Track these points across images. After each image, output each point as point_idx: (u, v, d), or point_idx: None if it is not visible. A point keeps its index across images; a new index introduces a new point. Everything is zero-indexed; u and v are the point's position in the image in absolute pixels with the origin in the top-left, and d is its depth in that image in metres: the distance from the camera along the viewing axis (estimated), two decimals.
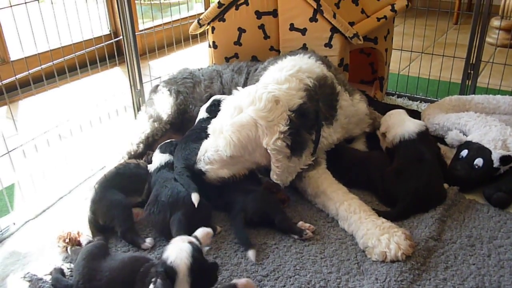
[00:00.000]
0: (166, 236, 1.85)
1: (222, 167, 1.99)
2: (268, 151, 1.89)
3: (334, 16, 2.43)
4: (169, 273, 1.41)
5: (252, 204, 1.93)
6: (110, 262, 1.62)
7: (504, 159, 2.10)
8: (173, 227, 1.82)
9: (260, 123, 1.87)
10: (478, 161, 2.14)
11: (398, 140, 2.27)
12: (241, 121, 1.89)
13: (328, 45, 2.52)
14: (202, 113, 2.35)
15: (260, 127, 1.87)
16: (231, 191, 2.03)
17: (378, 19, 2.78)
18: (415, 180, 2.04)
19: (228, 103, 1.99)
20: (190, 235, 1.60)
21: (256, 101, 1.89)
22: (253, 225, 1.95)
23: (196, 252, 1.47)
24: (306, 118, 1.94)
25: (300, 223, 1.93)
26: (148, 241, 1.87)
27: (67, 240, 1.85)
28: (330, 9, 2.44)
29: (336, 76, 2.26)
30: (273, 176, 1.94)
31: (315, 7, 2.45)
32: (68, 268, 1.76)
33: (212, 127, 2.01)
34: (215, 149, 1.96)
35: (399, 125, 2.31)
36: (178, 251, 1.46)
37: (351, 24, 2.64)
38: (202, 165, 2.00)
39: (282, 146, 1.87)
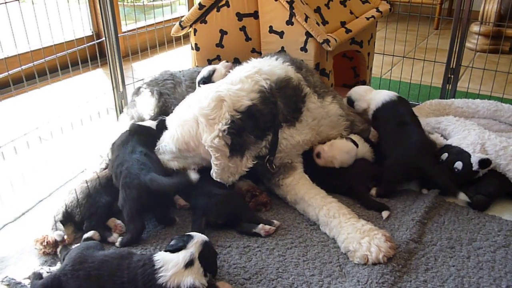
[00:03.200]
0: (144, 206, 1.93)
1: (172, 159, 2.08)
2: (206, 148, 1.91)
3: (306, 20, 2.43)
4: (185, 238, 1.61)
5: (216, 208, 1.95)
6: (104, 251, 1.66)
7: (482, 163, 2.13)
8: (153, 183, 1.89)
9: (201, 120, 1.93)
10: (458, 165, 2.18)
11: (380, 104, 2.45)
12: (185, 117, 1.99)
13: (304, 49, 2.52)
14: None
15: (200, 124, 1.93)
16: (196, 195, 2.05)
17: (367, 18, 2.85)
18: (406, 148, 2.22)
19: (187, 98, 2.11)
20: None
21: (202, 99, 1.95)
22: (219, 228, 1.96)
23: (211, 244, 1.67)
24: (256, 119, 1.97)
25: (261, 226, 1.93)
26: (115, 236, 1.92)
27: (44, 244, 1.83)
28: (303, 12, 2.44)
29: (306, 78, 2.26)
30: (213, 174, 1.96)
31: (288, 9, 2.46)
32: (47, 272, 1.73)
33: (169, 119, 2.10)
34: (167, 141, 2.06)
35: (377, 94, 2.52)
36: (198, 234, 1.66)
37: (343, 23, 2.70)
38: (158, 154, 2.11)
39: (220, 145, 1.89)
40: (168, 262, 1.53)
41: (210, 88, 2.01)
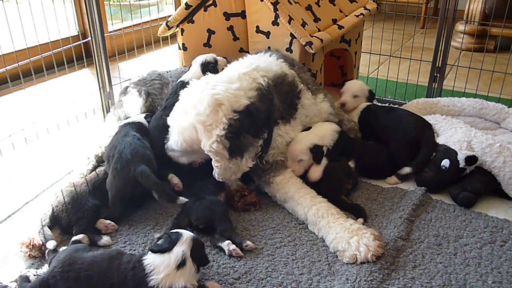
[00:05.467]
0: (126, 195, 2.02)
1: (181, 155, 2.14)
2: (206, 152, 1.93)
3: (289, 22, 2.44)
4: (173, 237, 1.58)
5: (196, 212, 1.95)
6: (93, 252, 1.65)
7: (469, 159, 2.15)
8: (143, 178, 1.98)
9: (198, 127, 1.93)
10: (445, 162, 2.20)
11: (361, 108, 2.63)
12: (183, 125, 2.00)
13: (289, 50, 2.53)
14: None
15: (198, 130, 1.94)
16: (187, 195, 2.06)
17: (357, 16, 2.90)
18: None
19: (183, 97, 2.08)
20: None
21: (197, 104, 1.93)
22: (198, 231, 1.95)
23: (197, 237, 1.65)
24: (253, 118, 1.96)
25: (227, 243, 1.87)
26: (105, 239, 1.90)
27: (30, 247, 1.81)
28: (287, 14, 2.45)
29: (299, 75, 2.28)
30: (215, 175, 1.97)
31: (273, 10, 2.47)
32: (34, 275, 1.71)
33: (169, 120, 2.11)
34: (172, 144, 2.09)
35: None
36: (184, 231, 1.65)
37: (334, 20, 2.73)
38: (168, 151, 2.16)
39: (219, 149, 1.90)
40: (159, 265, 1.51)
41: (205, 89, 1.95)
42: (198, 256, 1.59)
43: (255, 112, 1.96)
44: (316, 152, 2.18)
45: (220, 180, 1.99)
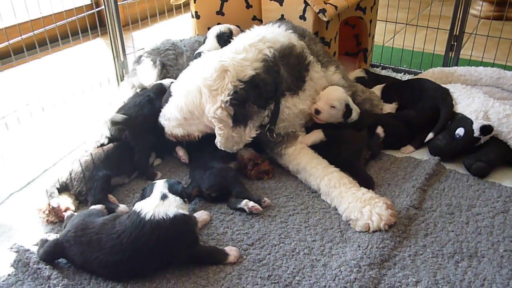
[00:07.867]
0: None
1: (177, 125, 2.10)
2: (210, 118, 1.92)
3: None
4: (147, 188, 1.71)
5: (208, 180, 1.97)
6: (104, 216, 1.74)
7: (484, 129, 2.14)
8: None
9: (204, 91, 1.93)
10: (460, 131, 2.19)
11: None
12: (188, 87, 1.99)
13: (303, 17, 2.50)
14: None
15: (203, 94, 1.93)
16: (193, 168, 2.11)
17: None
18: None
19: (193, 65, 2.09)
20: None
21: (206, 68, 1.94)
22: (211, 200, 1.99)
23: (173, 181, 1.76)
24: (259, 89, 1.96)
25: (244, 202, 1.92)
26: (122, 206, 1.93)
27: (46, 212, 1.86)
28: None
29: (309, 47, 2.25)
30: (217, 143, 1.98)
31: None
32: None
33: (174, 86, 2.10)
34: (172, 109, 2.07)
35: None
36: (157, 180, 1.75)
37: None
38: (162, 120, 2.14)
39: (223, 115, 1.90)
40: (146, 204, 1.63)
41: (214, 57, 1.98)
42: (178, 191, 1.69)
43: (261, 84, 1.96)
44: (348, 109, 2.20)
45: (222, 148, 1.99)
